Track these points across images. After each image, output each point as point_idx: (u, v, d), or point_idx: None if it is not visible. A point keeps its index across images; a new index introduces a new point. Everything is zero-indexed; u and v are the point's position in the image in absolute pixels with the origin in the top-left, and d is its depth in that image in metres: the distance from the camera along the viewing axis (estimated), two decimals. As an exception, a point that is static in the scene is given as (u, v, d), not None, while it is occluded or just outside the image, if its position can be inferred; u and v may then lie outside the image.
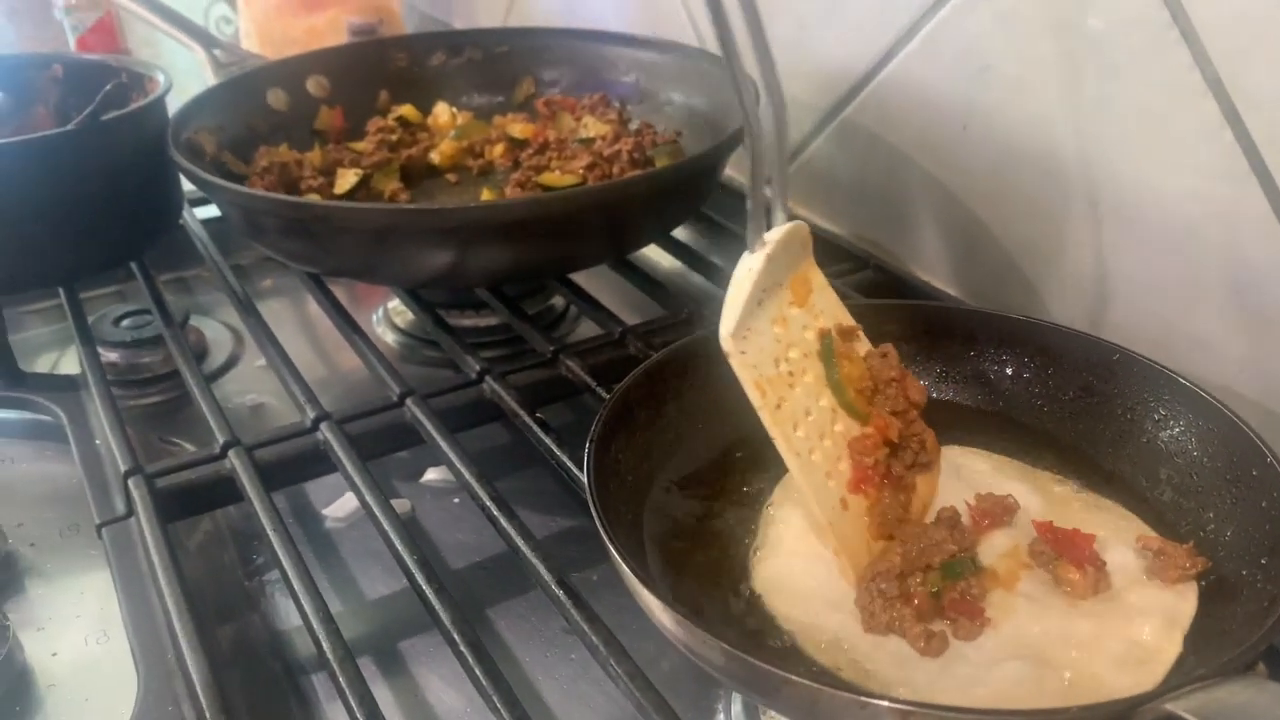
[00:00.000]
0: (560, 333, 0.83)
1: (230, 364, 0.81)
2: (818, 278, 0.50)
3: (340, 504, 0.65)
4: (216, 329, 0.84)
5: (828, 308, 0.50)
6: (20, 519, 0.60)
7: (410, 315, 0.84)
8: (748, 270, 0.46)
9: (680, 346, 0.53)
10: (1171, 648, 0.42)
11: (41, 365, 0.80)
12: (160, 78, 0.75)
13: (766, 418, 0.45)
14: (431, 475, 0.68)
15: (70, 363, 0.80)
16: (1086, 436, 0.51)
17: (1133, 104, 0.62)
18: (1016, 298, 0.73)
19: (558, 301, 0.86)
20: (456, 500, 0.66)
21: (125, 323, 0.79)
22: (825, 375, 0.48)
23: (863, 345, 0.51)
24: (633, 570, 0.40)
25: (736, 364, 0.45)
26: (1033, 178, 0.70)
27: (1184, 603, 0.44)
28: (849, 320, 0.51)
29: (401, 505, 0.64)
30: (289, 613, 0.57)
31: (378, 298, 0.88)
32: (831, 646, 0.43)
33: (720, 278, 0.78)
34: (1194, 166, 0.60)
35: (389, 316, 0.85)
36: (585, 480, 0.44)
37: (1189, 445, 0.48)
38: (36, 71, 0.81)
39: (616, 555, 0.41)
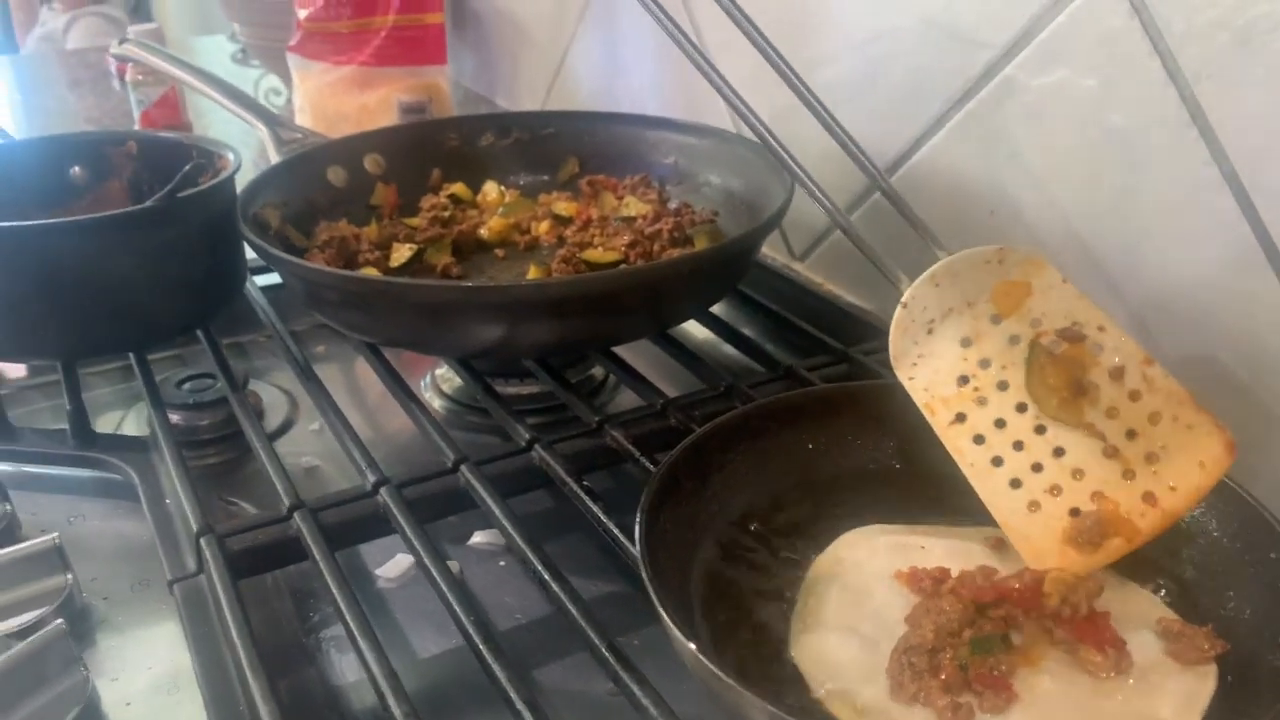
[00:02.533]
0: (600, 401, 0.87)
1: (285, 427, 0.84)
2: (1042, 280, 0.52)
3: (392, 565, 0.68)
4: (272, 393, 0.87)
5: (1052, 310, 0.52)
6: (94, 573, 0.63)
7: (456, 382, 0.87)
8: (895, 319, 0.53)
9: (723, 422, 0.57)
10: None
11: (104, 425, 0.84)
12: (230, 156, 0.80)
13: (939, 431, 0.51)
14: (478, 538, 0.70)
15: (132, 423, 0.84)
16: (1111, 516, 0.54)
17: (1153, 196, 0.66)
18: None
19: (597, 371, 0.89)
20: (502, 563, 0.68)
21: (186, 386, 0.83)
22: (1025, 383, 0.51)
23: (1110, 335, 0.51)
24: (685, 634, 0.42)
25: (908, 388, 0.52)
26: (1057, 263, 0.73)
27: (1203, 683, 0.46)
28: (1082, 316, 0.51)
29: (450, 567, 0.67)
30: (345, 668, 0.60)
31: (424, 366, 0.92)
32: (861, 713, 0.45)
33: (754, 351, 0.82)
34: (1212, 257, 0.63)
35: (436, 384, 0.89)
36: (637, 548, 0.47)
37: (1209, 526, 0.50)
38: (113, 148, 0.86)
39: (669, 621, 0.43)
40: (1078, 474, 0.50)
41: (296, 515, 0.59)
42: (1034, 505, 0.49)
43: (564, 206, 0.90)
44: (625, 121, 0.96)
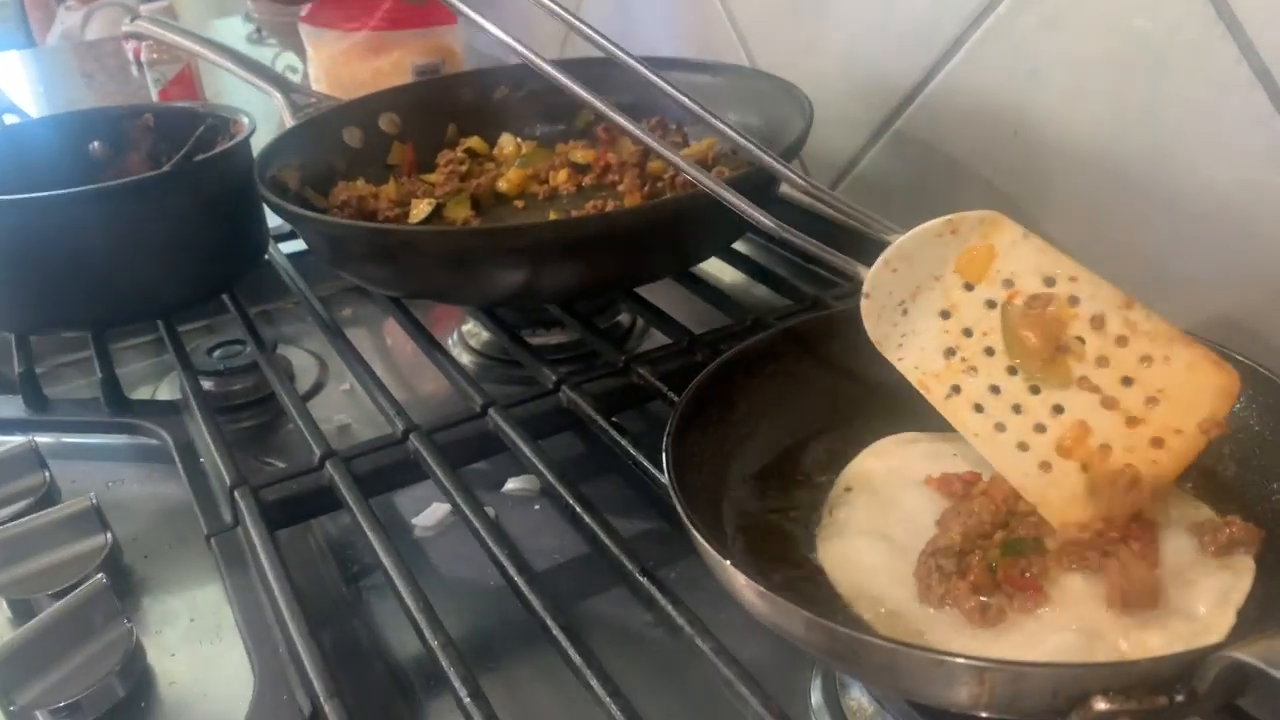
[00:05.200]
0: (629, 346, 0.86)
1: (315, 389, 0.84)
2: (1003, 238, 0.49)
3: (428, 513, 0.68)
4: (302, 357, 0.88)
5: (1021, 267, 0.49)
6: (134, 534, 0.64)
7: (484, 337, 0.87)
8: (863, 309, 0.51)
9: (747, 347, 0.56)
10: (1225, 622, 0.43)
11: (138, 396, 0.85)
12: (245, 120, 0.80)
13: (938, 406, 0.50)
14: (512, 485, 0.70)
15: (164, 392, 0.85)
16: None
17: (1182, 99, 0.64)
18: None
19: (623, 318, 0.89)
20: (537, 507, 0.68)
21: (216, 353, 0.84)
22: (1006, 347, 0.49)
23: (1084, 284, 0.48)
24: (715, 548, 0.42)
25: (900, 369, 0.51)
26: (1085, 178, 0.72)
27: (1240, 580, 0.45)
28: (1051, 269, 0.49)
29: (486, 513, 0.67)
30: (386, 616, 0.60)
31: (451, 322, 0.92)
32: (889, 616, 0.45)
33: (781, 285, 0.81)
34: (1245, 156, 0.62)
35: (464, 339, 0.89)
36: (665, 473, 0.47)
37: (1250, 420, 0.49)
38: (130, 121, 0.87)
39: (699, 536, 0.43)
40: (1082, 429, 0.48)
41: (329, 464, 0.60)
42: (1045, 465, 0.48)
43: (581, 154, 0.90)
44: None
